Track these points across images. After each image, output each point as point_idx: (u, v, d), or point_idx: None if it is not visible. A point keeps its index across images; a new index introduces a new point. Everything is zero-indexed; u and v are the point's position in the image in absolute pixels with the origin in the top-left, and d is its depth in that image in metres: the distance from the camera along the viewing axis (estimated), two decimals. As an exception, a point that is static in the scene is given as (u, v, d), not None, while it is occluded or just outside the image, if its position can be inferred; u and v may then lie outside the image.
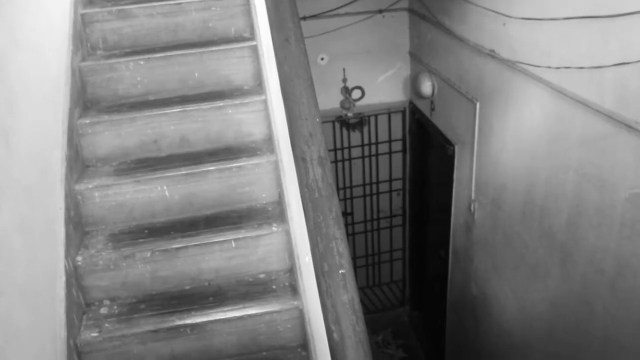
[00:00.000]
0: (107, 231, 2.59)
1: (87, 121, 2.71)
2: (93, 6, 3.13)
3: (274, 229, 2.47)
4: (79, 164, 2.65)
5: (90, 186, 2.56)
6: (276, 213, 2.58)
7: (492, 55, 3.56)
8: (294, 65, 1.56)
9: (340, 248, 1.44)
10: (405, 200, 6.37)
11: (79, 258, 2.39)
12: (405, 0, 5.31)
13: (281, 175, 2.50)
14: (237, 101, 2.74)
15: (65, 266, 2.24)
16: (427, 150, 5.62)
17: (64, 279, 2.21)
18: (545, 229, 3.20)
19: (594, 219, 2.73)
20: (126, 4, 3.12)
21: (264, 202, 2.65)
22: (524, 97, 3.28)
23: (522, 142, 3.37)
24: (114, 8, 3.05)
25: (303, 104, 1.49)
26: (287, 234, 2.45)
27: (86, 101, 2.88)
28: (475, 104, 3.93)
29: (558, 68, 2.86)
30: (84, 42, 3.00)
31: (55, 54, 2.59)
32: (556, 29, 2.84)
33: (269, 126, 2.72)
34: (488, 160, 3.91)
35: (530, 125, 3.25)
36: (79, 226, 2.52)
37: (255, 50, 2.88)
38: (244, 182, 2.61)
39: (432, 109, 5.00)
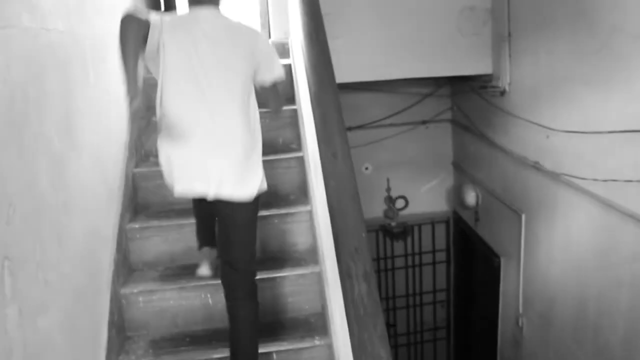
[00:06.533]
0: (149, 337, 2.58)
1: (137, 226, 2.78)
2: (150, 115, 3.28)
3: (317, 342, 2.41)
4: (125, 268, 2.68)
5: (135, 290, 2.59)
6: (319, 325, 2.53)
7: (536, 167, 3.57)
8: (341, 180, 1.59)
9: (385, 367, 1.40)
10: (449, 312, 6.20)
11: (119, 364, 2.37)
12: (448, 112, 5.43)
13: (325, 287, 2.47)
14: (283, 211, 2.79)
15: (105, 371, 2.22)
16: (472, 262, 5.52)
17: (103, 384, 2.19)
18: (601, 347, 3.04)
19: (652, 339, 2.61)
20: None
21: (307, 313, 2.62)
22: (571, 210, 3.24)
23: (571, 255, 3.29)
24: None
25: (349, 219, 1.51)
26: (330, 347, 2.39)
27: (136, 205, 2.96)
28: (521, 216, 3.89)
29: (605, 181, 2.84)
30: (139, 149, 3.13)
31: (112, 159, 2.71)
32: (601, 141, 2.85)
33: (314, 237, 2.73)
34: (535, 273, 3.81)
35: (579, 239, 3.19)
36: (121, 330, 2.52)
37: (301, 162, 2.96)
38: (287, 292, 2.60)
39: (477, 220, 4.96)
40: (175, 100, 2.09)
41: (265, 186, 2.22)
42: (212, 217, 2.40)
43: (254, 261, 2.23)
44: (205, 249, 2.59)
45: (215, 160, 2.07)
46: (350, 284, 1.42)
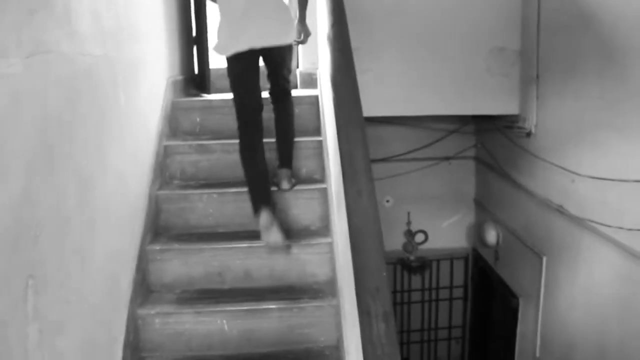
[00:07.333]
0: (162, 359, 2.58)
1: (157, 248, 2.80)
2: (176, 139, 3.34)
3: (331, 376, 2.41)
4: (144, 289, 2.70)
5: (152, 312, 2.60)
6: (334, 358, 2.51)
7: (560, 210, 3.54)
8: (365, 218, 1.59)
9: (400, 409, 1.38)
10: (464, 349, 6.12)
11: (132, 386, 2.38)
12: (472, 149, 5.42)
13: (342, 322, 2.47)
14: (303, 242, 2.80)
15: (118, 393, 2.23)
16: (490, 300, 5.45)
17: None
18: (620, 400, 2.98)
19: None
20: (206, 139, 3.31)
21: (322, 345, 2.60)
22: (594, 256, 3.20)
23: (592, 302, 3.24)
24: (195, 142, 3.24)
25: (371, 257, 1.51)
26: (344, 383, 2.37)
27: (158, 227, 2.98)
28: (542, 258, 3.85)
29: (630, 230, 2.80)
30: (164, 172, 3.17)
31: (136, 181, 2.75)
32: (627, 190, 2.82)
33: (333, 269, 2.73)
34: (555, 317, 3.76)
35: (601, 286, 3.14)
36: (136, 351, 2.53)
37: (324, 193, 2.97)
38: (303, 323, 2.59)
39: (496, 259, 4.92)
40: None
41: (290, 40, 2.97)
42: (263, 167, 2.86)
43: (289, 76, 3.06)
44: (264, 215, 2.68)
45: (259, 24, 2.80)
46: (368, 322, 1.42)
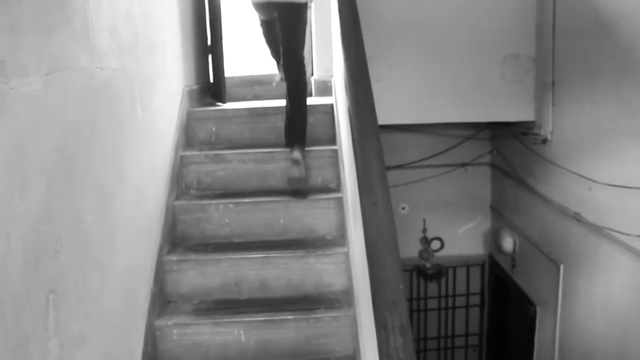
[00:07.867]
0: (180, 370, 2.60)
1: (174, 258, 2.82)
2: (192, 149, 3.36)
3: (347, 386, 2.40)
4: (161, 300, 2.72)
5: (170, 323, 2.61)
6: (350, 369, 2.51)
7: (577, 218, 3.51)
8: (381, 230, 1.59)
9: (417, 422, 1.38)
10: (481, 357, 6.07)
11: (150, 398, 2.39)
12: (488, 156, 5.40)
13: (358, 333, 2.47)
14: (319, 251, 2.80)
15: (136, 405, 2.24)
16: (507, 308, 5.41)
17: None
18: (640, 410, 2.95)
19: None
20: (222, 149, 3.33)
21: (338, 355, 2.60)
22: (613, 265, 3.17)
23: (612, 311, 3.21)
24: (211, 152, 3.26)
25: (388, 270, 1.51)
26: (360, 393, 2.37)
27: (175, 238, 3.00)
28: (559, 266, 3.82)
29: (650, 238, 2.78)
30: (180, 182, 3.19)
31: (153, 192, 2.77)
32: (646, 197, 2.80)
33: (349, 279, 2.72)
34: (573, 326, 3.72)
35: (621, 295, 3.11)
36: (153, 362, 2.54)
37: (340, 202, 2.97)
38: (320, 333, 2.59)
39: (513, 266, 4.89)
40: None
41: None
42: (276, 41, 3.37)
43: (301, 51, 3.19)
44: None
45: None
46: (385, 335, 1.41)
